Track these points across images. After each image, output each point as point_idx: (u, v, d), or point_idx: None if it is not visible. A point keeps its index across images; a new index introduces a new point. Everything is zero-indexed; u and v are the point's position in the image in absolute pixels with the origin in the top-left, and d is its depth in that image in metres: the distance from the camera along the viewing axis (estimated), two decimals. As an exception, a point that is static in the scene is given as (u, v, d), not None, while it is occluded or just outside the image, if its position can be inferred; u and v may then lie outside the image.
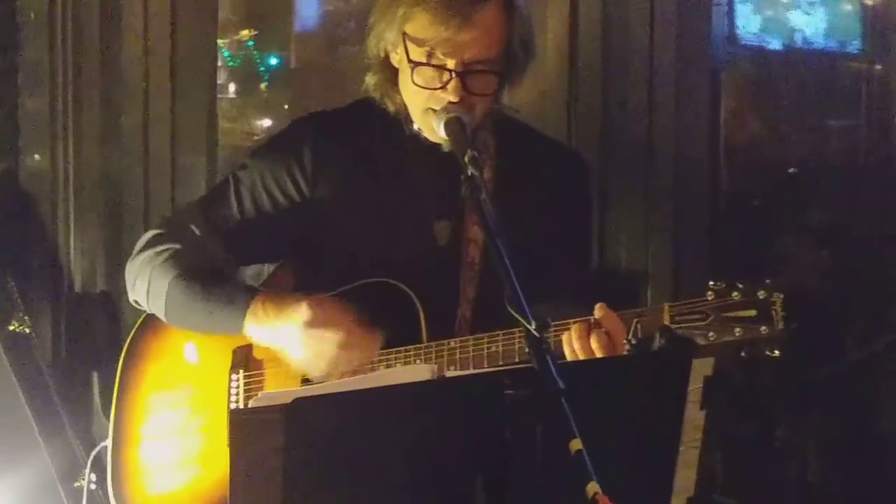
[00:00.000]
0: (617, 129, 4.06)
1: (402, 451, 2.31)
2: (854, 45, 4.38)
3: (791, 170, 4.31)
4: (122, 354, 3.23)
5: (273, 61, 4.62)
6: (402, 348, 2.98)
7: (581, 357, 2.81)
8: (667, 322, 2.82)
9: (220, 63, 4.44)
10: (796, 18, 4.34)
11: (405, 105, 3.07)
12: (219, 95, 4.41)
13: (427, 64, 2.96)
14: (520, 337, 2.86)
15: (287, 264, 3.27)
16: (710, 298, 2.84)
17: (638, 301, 3.98)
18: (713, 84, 4.06)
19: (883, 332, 4.10)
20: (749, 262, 4.07)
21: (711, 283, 2.85)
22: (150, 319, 3.21)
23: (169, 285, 3.10)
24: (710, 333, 2.82)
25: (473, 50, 2.94)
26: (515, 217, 2.84)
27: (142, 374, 3.20)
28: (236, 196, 3.15)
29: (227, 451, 2.95)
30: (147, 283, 3.15)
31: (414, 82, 2.99)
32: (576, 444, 2.15)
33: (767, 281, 2.82)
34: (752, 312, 2.81)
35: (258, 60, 4.59)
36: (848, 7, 4.41)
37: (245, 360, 3.14)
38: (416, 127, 3.08)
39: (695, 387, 2.44)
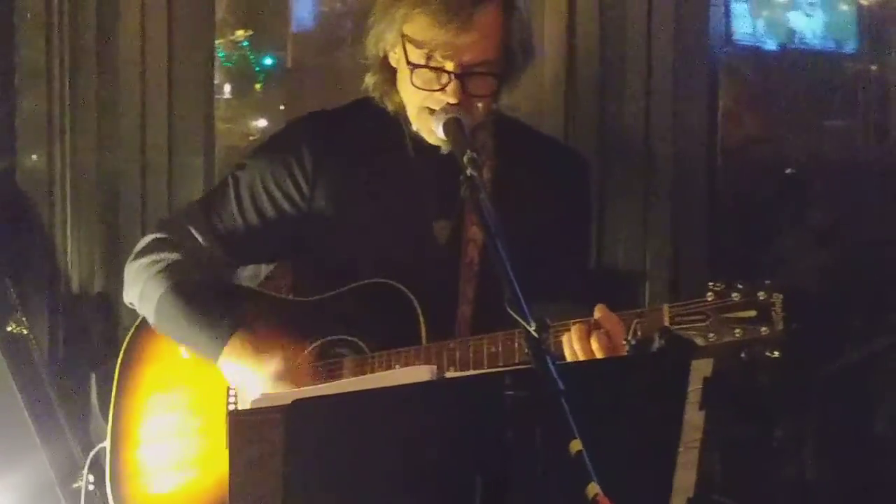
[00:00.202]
0: (615, 129, 4.06)
1: (402, 452, 2.31)
2: (852, 46, 4.38)
3: (788, 170, 4.31)
4: (120, 356, 3.24)
5: (268, 61, 4.61)
6: (401, 349, 2.98)
7: (581, 358, 2.81)
8: (666, 323, 2.82)
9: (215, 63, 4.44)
10: (794, 19, 4.34)
11: (404, 105, 3.07)
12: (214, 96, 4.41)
13: (426, 66, 2.96)
14: (519, 337, 2.86)
15: (285, 264, 3.27)
16: (709, 299, 2.84)
17: (636, 301, 3.99)
18: (711, 85, 4.06)
19: (882, 333, 4.10)
20: (747, 262, 4.07)
21: (711, 283, 2.85)
22: (147, 322, 3.21)
23: (159, 299, 3.12)
24: (710, 334, 2.82)
25: (472, 52, 2.95)
26: (515, 217, 2.84)
27: (140, 376, 3.21)
28: (236, 196, 3.16)
29: (225, 452, 2.96)
30: (140, 291, 3.16)
31: (413, 84, 2.99)
32: (576, 445, 2.15)
33: (767, 281, 2.82)
34: (752, 313, 2.81)
35: (253, 61, 4.58)
36: (845, 8, 4.41)
37: (244, 361, 3.14)
38: (414, 127, 3.08)
39: (694, 387, 2.44)
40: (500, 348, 2.91)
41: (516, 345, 2.89)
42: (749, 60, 4.31)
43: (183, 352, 3.19)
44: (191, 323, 3.09)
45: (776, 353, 2.80)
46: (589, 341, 2.81)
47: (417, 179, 3.11)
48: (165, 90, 4.23)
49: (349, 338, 3.07)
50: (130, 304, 3.22)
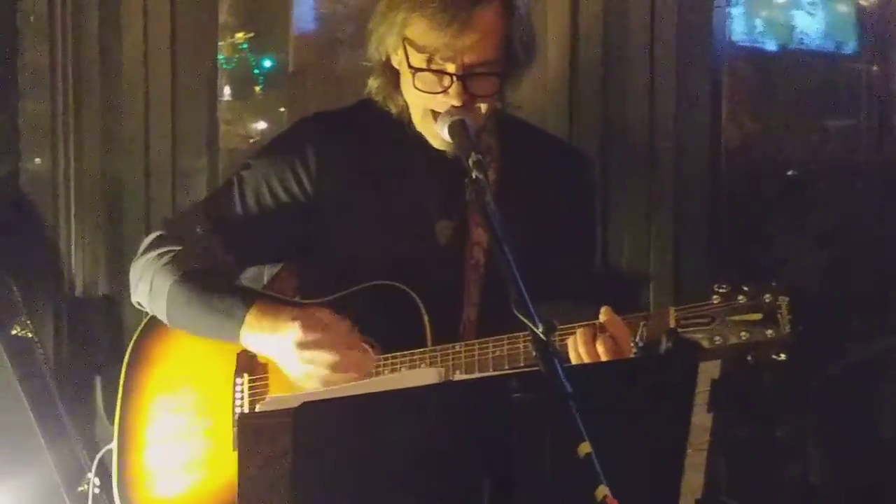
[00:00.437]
0: (618, 130, 4.06)
1: (410, 454, 2.31)
2: (854, 46, 4.38)
3: (790, 172, 4.31)
4: (126, 358, 3.23)
5: (267, 64, 4.61)
6: (407, 352, 2.99)
7: (587, 361, 2.81)
8: (672, 325, 2.82)
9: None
10: (796, 19, 4.34)
11: (408, 107, 3.07)
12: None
13: (427, 70, 2.96)
14: (525, 341, 2.86)
15: (290, 266, 3.27)
16: (715, 302, 2.84)
17: (639, 302, 3.99)
18: (714, 86, 4.06)
19: (884, 333, 4.10)
20: (750, 263, 4.07)
21: (716, 286, 2.84)
22: (153, 322, 3.22)
23: (170, 289, 3.11)
24: (716, 337, 2.81)
25: (473, 53, 2.94)
26: (521, 218, 2.84)
27: (146, 378, 3.20)
28: (240, 196, 3.16)
29: (231, 454, 2.98)
30: (149, 286, 3.15)
31: (415, 87, 2.99)
32: (584, 448, 2.15)
33: (773, 284, 2.82)
34: (758, 316, 2.81)
35: (253, 63, 4.58)
36: (846, 8, 4.41)
37: (249, 363, 3.15)
38: (417, 128, 3.08)
39: (702, 389, 2.44)
40: (506, 351, 2.91)
41: (521, 348, 2.89)
42: (752, 61, 4.31)
43: (191, 354, 3.19)
44: (205, 306, 3.08)
45: (782, 356, 2.80)
46: (595, 345, 2.81)
47: (421, 179, 3.11)
48: (169, 93, 4.24)
49: (355, 340, 3.07)
50: (138, 303, 3.22)
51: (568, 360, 2.83)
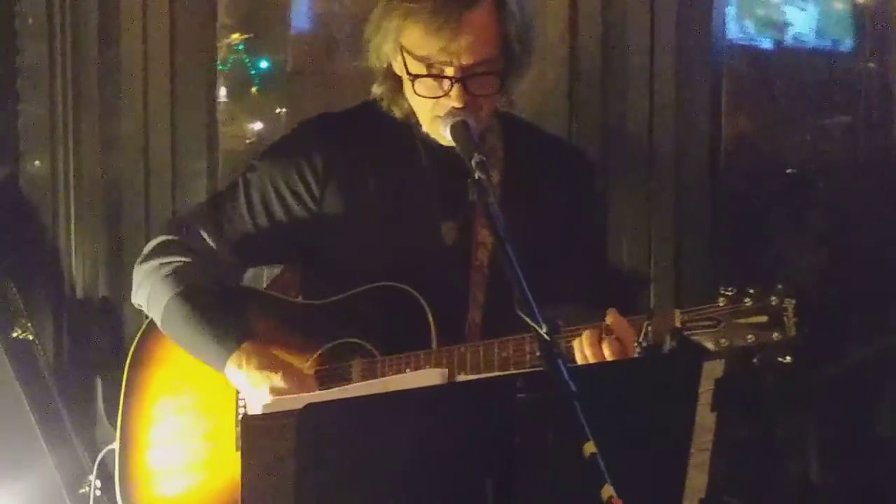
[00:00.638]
0: (617, 130, 4.05)
1: (415, 455, 2.31)
2: (852, 44, 4.37)
3: (789, 170, 4.30)
4: (128, 359, 3.23)
5: (263, 64, 4.61)
6: (411, 353, 2.99)
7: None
8: (677, 326, 2.81)
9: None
10: (795, 17, 4.34)
11: (413, 110, 3.07)
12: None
13: (427, 75, 2.96)
14: (530, 342, 2.86)
15: (293, 266, 3.27)
16: (721, 304, 2.83)
17: (640, 302, 3.99)
18: (714, 84, 4.05)
19: (884, 332, 4.10)
20: (750, 262, 4.07)
21: (722, 288, 2.84)
22: (156, 324, 3.21)
23: (167, 303, 3.12)
24: (722, 339, 2.81)
25: (470, 54, 2.94)
26: (525, 219, 2.84)
27: (148, 379, 3.20)
28: (246, 197, 3.16)
29: (234, 455, 2.98)
30: (148, 294, 3.16)
31: (417, 93, 2.99)
32: (589, 448, 2.15)
33: (779, 286, 2.81)
34: (764, 318, 2.80)
35: (248, 64, 4.58)
36: (845, 5, 4.40)
37: (253, 364, 3.14)
38: (424, 130, 3.08)
39: (706, 389, 2.44)
40: (511, 353, 2.91)
41: (527, 350, 2.89)
42: (751, 60, 4.31)
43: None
44: (197, 331, 3.09)
45: (788, 359, 2.79)
46: (600, 346, 2.81)
47: (425, 181, 3.11)
48: (168, 94, 4.24)
49: (359, 341, 3.07)
50: (139, 305, 3.22)
51: (574, 361, 2.83)
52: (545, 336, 2.31)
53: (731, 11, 4.19)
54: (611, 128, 4.06)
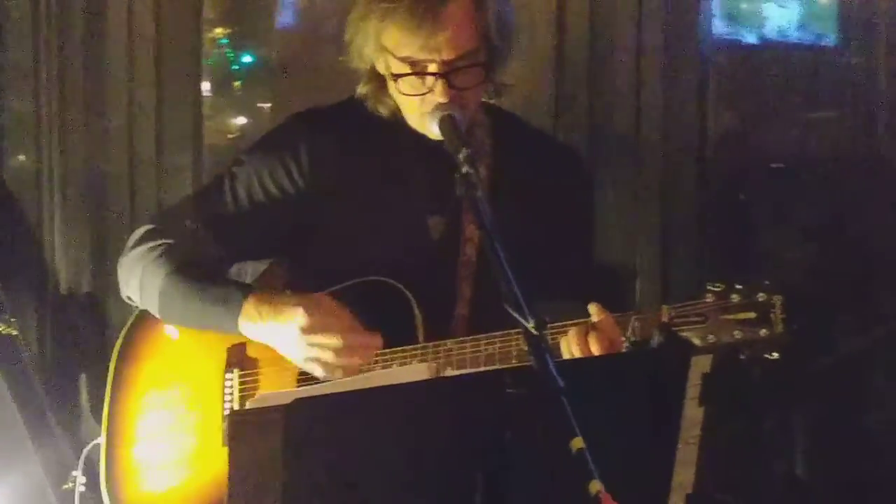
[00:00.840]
0: (604, 125, 4.06)
1: (403, 450, 2.30)
2: (837, 38, 4.38)
3: (775, 164, 4.31)
4: (115, 352, 3.21)
5: (247, 59, 4.60)
6: (398, 349, 2.98)
7: None
8: (665, 321, 2.81)
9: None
10: (781, 12, 4.34)
11: (398, 108, 3.06)
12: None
13: (410, 74, 2.96)
14: (517, 338, 2.86)
15: (279, 262, 3.26)
16: (709, 300, 2.84)
17: (627, 297, 3.99)
18: (700, 79, 4.06)
19: (872, 326, 4.10)
20: (738, 257, 4.07)
21: (710, 284, 2.84)
22: (143, 317, 3.20)
23: (162, 282, 3.09)
24: (710, 336, 2.81)
25: (450, 48, 2.93)
26: (513, 214, 2.83)
27: (136, 373, 3.19)
28: (231, 191, 3.15)
29: (221, 450, 2.97)
30: (140, 280, 3.13)
31: (401, 92, 2.98)
32: (577, 443, 2.15)
33: (767, 282, 2.82)
34: (752, 315, 2.81)
35: (232, 58, 4.57)
36: (825, 1, 4.42)
37: (240, 359, 3.13)
38: (411, 125, 3.07)
39: (693, 384, 2.44)
40: (498, 349, 2.90)
41: (513, 346, 2.88)
42: (738, 55, 4.31)
43: (181, 349, 3.17)
44: (200, 299, 3.05)
45: (775, 355, 2.80)
46: (588, 344, 2.81)
47: (412, 175, 3.11)
48: (153, 89, 4.24)
49: (346, 335, 3.06)
50: (128, 297, 3.19)
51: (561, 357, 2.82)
52: (532, 331, 2.31)
53: (716, 7, 4.19)
54: (598, 123, 4.06)
